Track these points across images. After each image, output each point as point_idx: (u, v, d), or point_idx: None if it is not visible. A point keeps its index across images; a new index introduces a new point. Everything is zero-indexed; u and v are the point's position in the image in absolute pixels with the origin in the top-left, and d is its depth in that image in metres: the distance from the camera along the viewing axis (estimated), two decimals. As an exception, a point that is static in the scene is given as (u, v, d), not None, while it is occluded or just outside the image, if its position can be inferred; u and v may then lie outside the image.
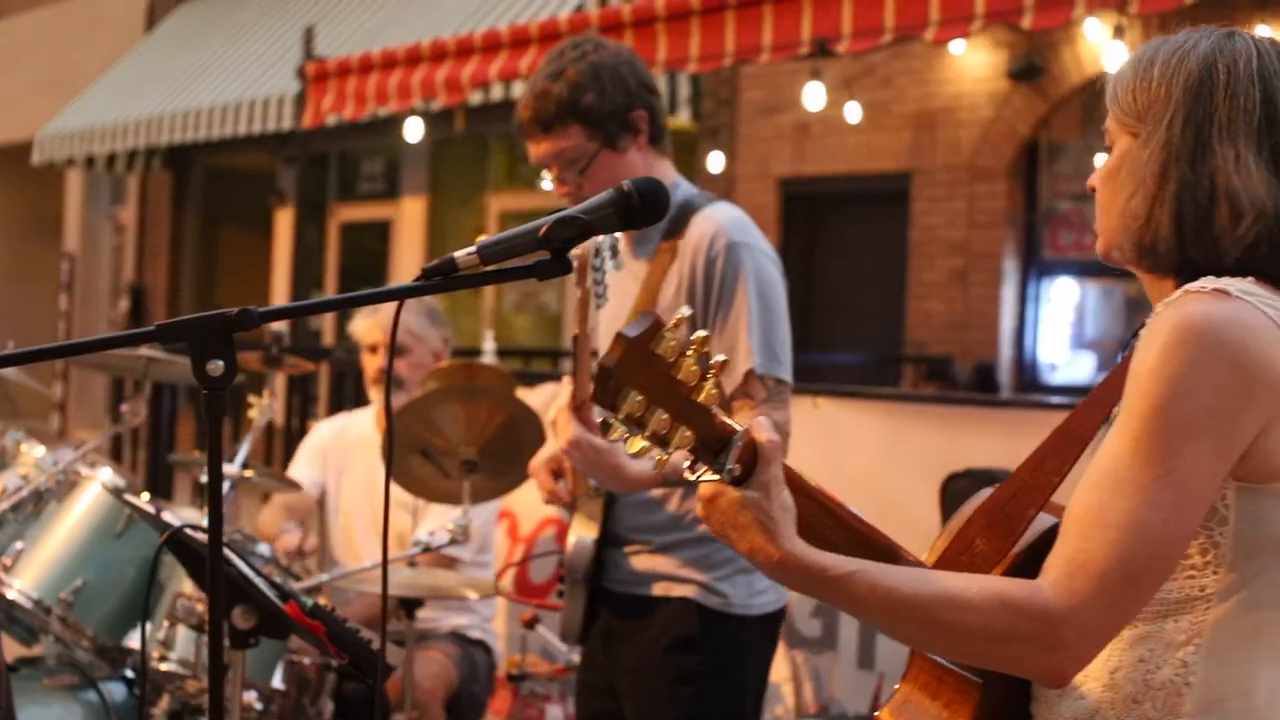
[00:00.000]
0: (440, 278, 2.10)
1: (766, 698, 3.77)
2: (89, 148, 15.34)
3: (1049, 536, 2.02)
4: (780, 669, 5.13)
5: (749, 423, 2.00)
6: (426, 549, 4.53)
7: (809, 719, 5.17)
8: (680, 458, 2.00)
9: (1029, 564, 2.02)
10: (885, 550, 2.09)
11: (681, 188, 3.57)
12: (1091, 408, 2.12)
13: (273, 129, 12.94)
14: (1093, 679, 2.04)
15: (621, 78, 3.47)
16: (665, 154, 3.58)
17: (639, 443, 1.93)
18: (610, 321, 3.46)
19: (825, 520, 2.08)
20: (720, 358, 1.94)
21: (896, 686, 2.18)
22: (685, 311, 1.94)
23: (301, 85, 8.99)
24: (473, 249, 2.09)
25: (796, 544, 1.99)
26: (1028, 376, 10.93)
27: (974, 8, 5.71)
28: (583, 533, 3.58)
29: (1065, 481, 2.08)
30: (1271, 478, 1.95)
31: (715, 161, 12.01)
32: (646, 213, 2.12)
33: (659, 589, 3.51)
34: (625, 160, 3.48)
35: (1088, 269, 10.78)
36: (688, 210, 3.48)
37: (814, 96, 7.73)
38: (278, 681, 4.45)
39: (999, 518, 2.11)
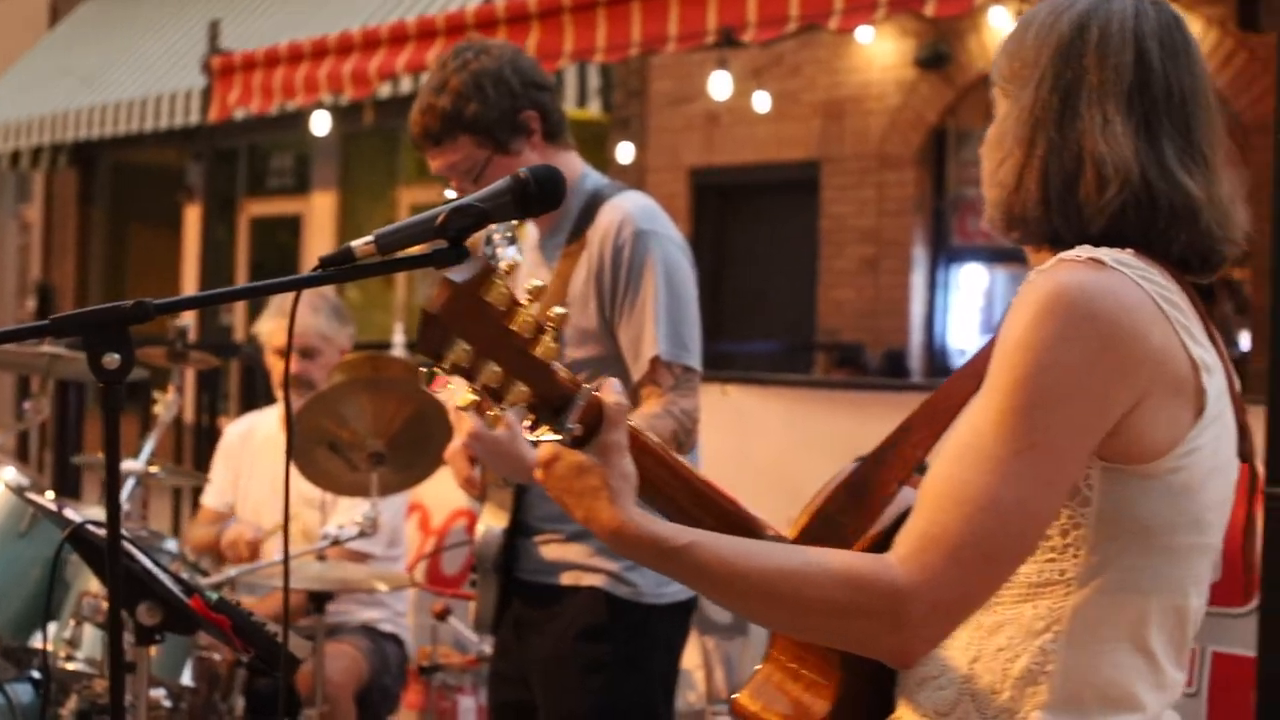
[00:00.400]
0: (337, 268, 2.08)
1: (678, 685, 3.78)
2: (-8, 146, 15.14)
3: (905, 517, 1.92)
4: (691, 656, 5.14)
5: (600, 383, 1.91)
6: (335, 542, 4.52)
7: (720, 704, 5.19)
8: (518, 415, 1.90)
9: (889, 542, 1.92)
10: (741, 522, 2.01)
11: (590, 178, 3.57)
12: (963, 379, 2.05)
13: (180, 124, 12.81)
14: (953, 668, 1.97)
15: (505, 81, 3.46)
16: (568, 146, 3.58)
17: (468, 395, 1.81)
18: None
19: (678, 488, 1.99)
20: (560, 310, 1.84)
21: (757, 667, 2.11)
22: (515, 255, 1.88)
23: (207, 80, 8.90)
24: (370, 238, 2.07)
25: (634, 513, 1.87)
26: (938, 362, 11.01)
27: (878, -7, 5.74)
28: (492, 522, 3.57)
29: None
30: (1138, 459, 1.86)
31: (625, 152, 12.02)
32: (543, 199, 2.10)
33: (568, 578, 3.52)
34: (521, 161, 3.45)
35: (996, 255, 10.88)
36: (597, 200, 3.49)
37: (721, 86, 7.74)
38: (187, 678, 4.42)
39: (861, 492, 2.05)
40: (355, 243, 2.08)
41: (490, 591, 3.58)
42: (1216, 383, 1.91)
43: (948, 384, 2.07)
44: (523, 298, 1.81)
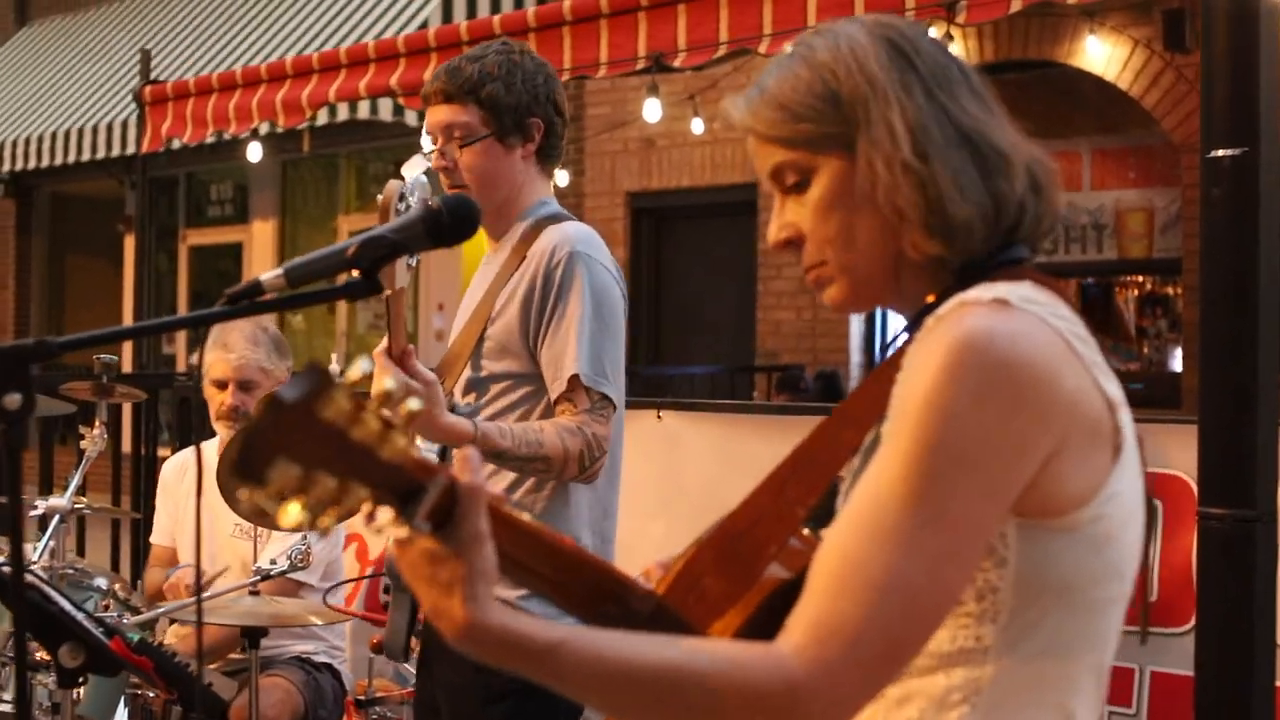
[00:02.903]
0: (246, 301, 2.06)
1: (585, 714, 3.73)
2: (-72, 177, 15.05)
3: (795, 586, 1.70)
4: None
5: (456, 459, 1.68)
6: (266, 576, 4.48)
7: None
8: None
9: (771, 620, 1.70)
10: (613, 586, 1.81)
11: (547, 206, 3.61)
12: (840, 427, 1.85)
13: (116, 154, 12.79)
14: None
15: (534, 85, 3.52)
16: (548, 174, 3.63)
17: (297, 515, 1.54)
18: (467, 305, 3.59)
19: (541, 559, 1.78)
20: (415, 404, 1.60)
21: None
22: (366, 367, 1.62)
23: (140, 109, 8.86)
24: (278, 271, 2.04)
25: (490, 611, 1.62)
26: (878, 382, 11.01)
27: (806, 19, 5.75)
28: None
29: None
30: (1056, 511, 1.70)
31: (562, 177, 12.03)
32: (456, 230, 2.08)
33: (434, 623, 3.47)
34: (509, 158, 3.53)
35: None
36: (545, 223, 3.53)
37: (654, 111, 7.74)
38: (122, 717, 4.38)
39: (731, 553, 1.85)
40: (264, 275, 2.05)
41: (402, 613, 3.49)
42: (1128, 419, 1.76)
43: (820, 431, 1.86)
44: (371, 403, 1.57)
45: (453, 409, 3.34)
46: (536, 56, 3.61)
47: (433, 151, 3.56)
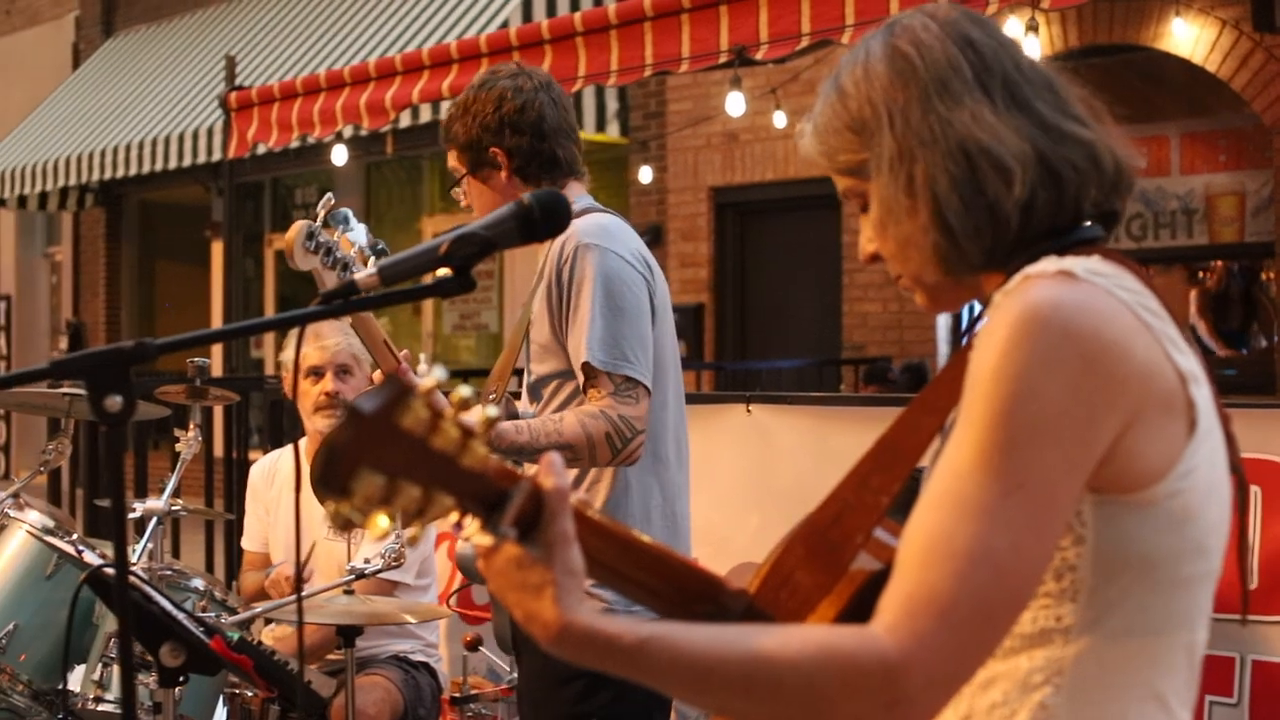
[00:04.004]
0: (341, 300, 2.08)
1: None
2: (20, 188, 15.26)
3: (885, 577, 1.70)
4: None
5: (540, 464, 1.69)
6: (360, 575, 4.50)
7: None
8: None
9: (864, 612, 1.69)
10: (701, 586, 1.81)
11: (581, 202, 3.63)
12: (921, 414, 1.84)
13: (203, 160, 12.91)
14: None
15: (484, 116, 3.61)
16: (555, 181, 3.64)
17: (383, 523, 1.57)
18: (518, 300, 3.63)
19: (627, 561, 1.79)
20: (493, 411, 1.63)
21: None
22: (440, 374, 1.66)
23: (225, 115, 8.94)
24: (372, 270, 2.06)
25: (580, 612, 1.63)
26: (966, 373, 10.95)
27: (889, 7, 5.72)
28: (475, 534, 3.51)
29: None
30: (1133, 486, 1.69)
31: (645, 174, 12.04)
32: (547, 225, 2.10)
33: (526, 628, 3.50)
34: (490, 187, 3.65)
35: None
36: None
37: (736, 105, 7.73)
38: (221, 717, 4.42)
39: (820, 546, 1.84)
40: (359, 274, 2.07)
41: (504, 609, 3.56)
42: (1204, 393, 1.75)
43: (902, 420, 1.86)
44: (447, 410, 1.59)
45: (514, 415, 3.48)
46: (517, 77, 3.65)
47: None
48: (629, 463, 3.44)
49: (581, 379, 3.44)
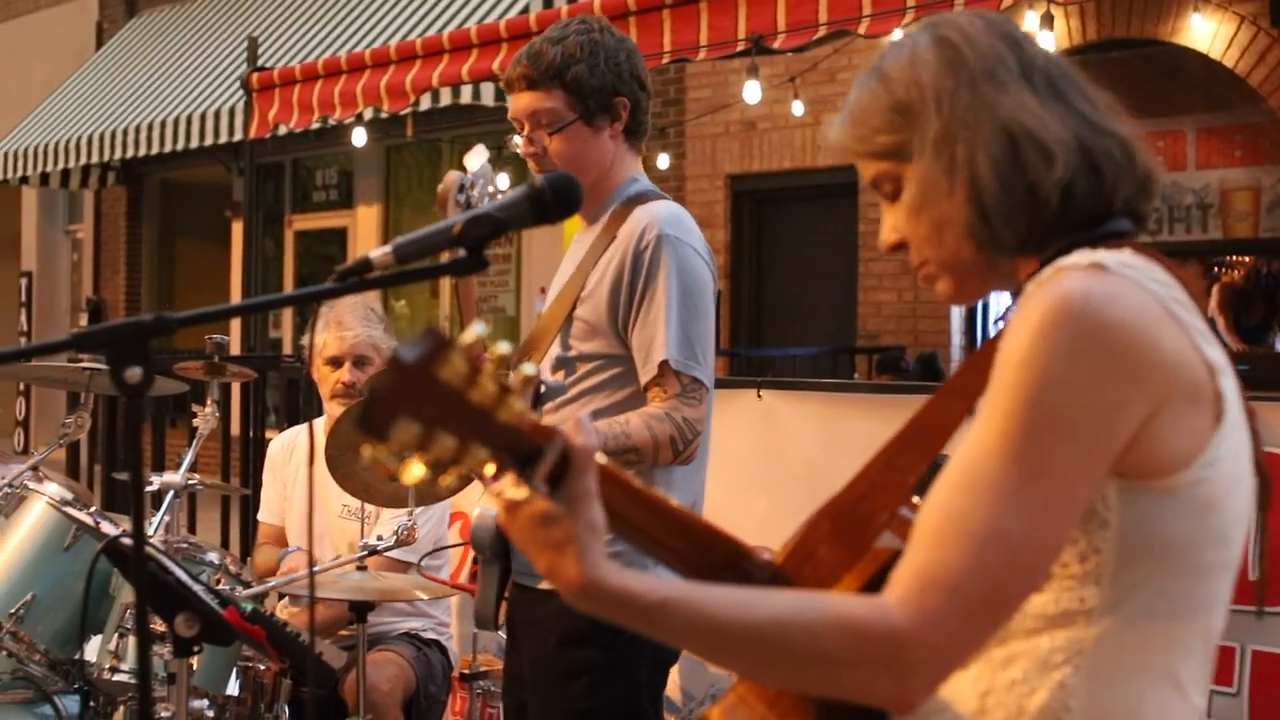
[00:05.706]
0: (355, 278, 2.11)
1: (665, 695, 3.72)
2: (43, 165, 15.32)
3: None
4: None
5: (569, 423, 1.75)
6: (372, 552, 4.55)
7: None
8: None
9: (886, 583, 1.74)
10: (726, 549, 1.88)
11: (638, 183, 3.61)
12: (949, 398, 1.91)
13: (224, 140, 12.97)
14: (960, 703, 1.83)
15: (617, 62, 3.50)
16: (637, 150, 3.63)
17: (417, 469, 1.63)
18: (558, 282, 3.58)
19: (652, 521, 1.86)
20: (530, 369, 1.71)
21: (734, 684, 1.96)
22: (481, 330, 1.68)
23: (247, 96, 9.00)
24: (388, 248, 2.08)
25: (601, 568, 1.70)
26: (980, 363, 10.95)
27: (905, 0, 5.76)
28: (486, 504, 3.41)
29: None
30: (1158, 473, 1.73)
31: (663, 160, 12.06)
32: (559, 206, 2.12)
33: (548, 582, 3.49)
34: (598, 139, 3.53)
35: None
36: (635, 202, 3.52)
37: (754, 93, 7.77)
38: (233, 688, 4.47)
39: (845, 523, 1.90)
40: (374, 252, 2.09)
41: (490, 583, 3.48)
42: (1231, 385, 1.79)
43: (932, 403, 1.92)
44: (486, 365, 1.65)
45: (540, 385, 3.39)
46: (616, 32, 3.58)
47: (524, 139, 3.54)
48: (685, 463, 3.41)
49: (649, 374, 3.39)
